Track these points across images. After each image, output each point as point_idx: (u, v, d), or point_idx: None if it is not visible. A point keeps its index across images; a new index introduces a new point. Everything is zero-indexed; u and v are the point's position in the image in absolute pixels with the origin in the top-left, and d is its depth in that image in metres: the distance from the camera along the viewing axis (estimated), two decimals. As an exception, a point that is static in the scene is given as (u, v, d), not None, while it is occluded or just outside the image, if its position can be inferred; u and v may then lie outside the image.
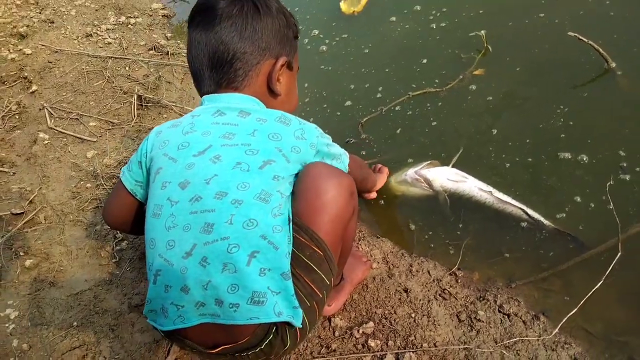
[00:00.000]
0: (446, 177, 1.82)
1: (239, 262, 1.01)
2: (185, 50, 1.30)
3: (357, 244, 1.73)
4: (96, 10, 3.14)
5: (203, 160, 1.10)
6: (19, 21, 2.95)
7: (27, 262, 1.68)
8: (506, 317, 1.46)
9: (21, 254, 1.73)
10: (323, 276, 1.12)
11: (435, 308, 1.49)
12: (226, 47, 1.19)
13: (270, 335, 1.07)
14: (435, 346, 1.39)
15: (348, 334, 1.45)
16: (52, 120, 2.26)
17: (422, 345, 1.39)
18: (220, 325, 1.05)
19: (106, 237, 1.79)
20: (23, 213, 1.86)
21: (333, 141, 1.29)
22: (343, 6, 2.86)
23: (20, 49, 2.68)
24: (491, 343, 1.39)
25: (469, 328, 1.44)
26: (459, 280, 1.59)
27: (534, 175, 1.82)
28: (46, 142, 2.15)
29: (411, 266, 1.64)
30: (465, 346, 1.38)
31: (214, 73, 1.22)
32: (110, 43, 2.80)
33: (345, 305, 1.53)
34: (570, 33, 2.05)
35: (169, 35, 3.00)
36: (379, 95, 2.32)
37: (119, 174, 1.30)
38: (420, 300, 1.52)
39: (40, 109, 2.32)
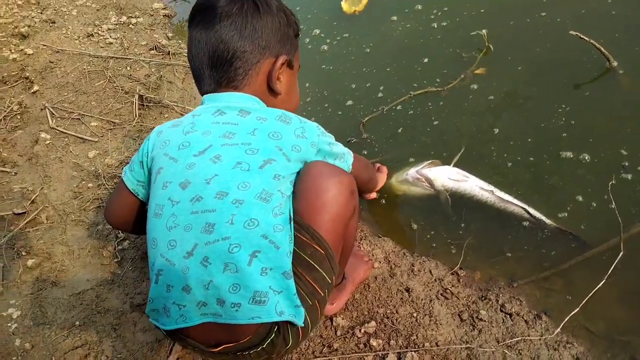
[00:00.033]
0: (447, 177, 1.82)
1: (240, 262, 1.01)
2: (187, 50, 1.29)
3: (359, 243, 1.73)
4: (97, 10, 3.15)
5: (203, 160, 1.10)
6: (20, 21, 2.96)
7: (29, 262, 1.69)
8: (508, 316, 1.45)
9: (23, 253, 1.73)
10: (324, 274, 1.12)
11: (437, 307, 1.49)
12: (226, 46, 1.19)
13: (272, 334, 1.08)
14: (437, 346, 1.39)
15: (350, 333, 1.45)
16: (54, 120, 2.26)
17: (424, 344, 1.39)
18: (222, 325, 1.05)
19: (108, 237, 1.80)
20: (25, 213, 1.86)
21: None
22: (344, 5, 2.86)
23: (22, 49, 2.69)
24: (493, 342, 1.39)
25: (470, 327, 1.44)
26: (461, 280, 1.59)
27: (535, 174, 1.82)
28: (48, 142, 2.15)
29: (413, 266, 1.64)
30: (467, 346, 1.38)
31: (214, 72, 1.22)
32: (112, 43, 2.80)
33: (347, 304, 1.53)
34: (571, 32, 2.05)
35: (170, 35, 3.01)
36: (380, 94, 2.32)
37: (121, 173, 1.30)
38: (422, 299, 1.52)
39: (41, 109, 2.32)
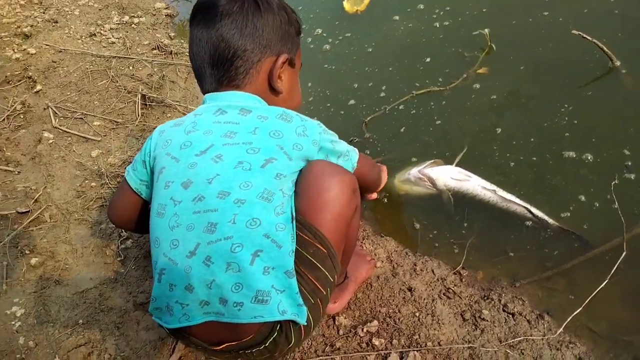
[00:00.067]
0: (450, 176, 1.82)
1: (242, 262, 1.01)
2: (188, 49, 1.30)
3: (361, 242, 1.73)
4: (100, 9, 3.15)
5: (205, 159, 1.10)
6: (23, 21, 2.96)
7: (33, 261, 1.69)
8: (510, 316, 1.46)
9: (27, 252, 1.73)
10: (327, 273, 1.12)
11: (439, 307, 1.49)
12: (227, 45, 1.19)
13: (274, 333, 1.08)
14: (440, 345, 1.39)
15: (352, 332, 1.45)
16: (57, 120, 2.26)
17: (426, 344, 1.39)
18: (224, 324, 1.06)
19: (111, 236, 1.80)
20: (28, 212, 1.86)
21: (337, 140, 1.28)
22: (346, 5, 2.86)
23: (25, 49, 2.69)
24: (495, 342, 1.39)
25: (473, 327, 1.44)
26: (463, 279, 1.59)
27: (538, 174, 1.82)
28: (51, 141, 2.16)
29: (415, 265, 1.64)
30: (470, 345, 1.39)
31: (215, 71, 1.22)
32: (114, 43, 2.81)
33: (350, 303, 1.53)
34: (574, 31, 2.05)
35: (172, 34, 3.01)
36: (382, 94, 2.32)
37: (124, 172, 1.31)
38: (424, 299, 1.52)
39: (44, 109, 2.33)
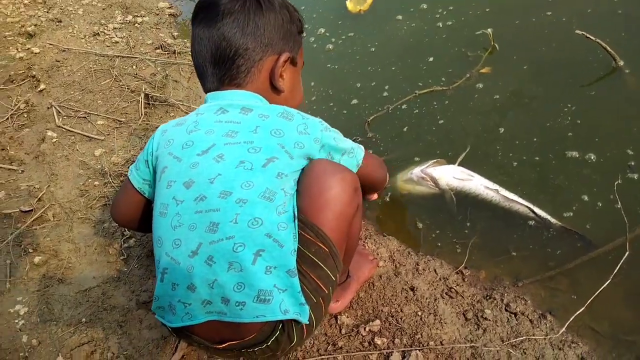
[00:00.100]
0: (452, 176, 1.82)
1: (244, 261, 1.02)
2: (190, 48, 1.30)
3: (364, 242, 1.73)
4: (103, 9, 3.16)
5: (207, 159, 1.10)
6: (27, 20, 2.97)
7: (36, 259, 1.70)
8: (513, 315, 1.45)
9: (30, 250, 1.74)
10: (329, 272, 1.12)
11: (441, 306, 1.49)
12: (228, 43, 1.18)
13: (277, 332, 1.08)
14: (442, 344, 1.39)
15: (354, 331, 1.45)
16: (60, 119, 2.27)
17: (428, 343, 1.39)
18: (227, 323, 1.06)
19: (114, 235, 1.81)
20: (32, 210, 1.87)
21: (340, 139, 1.28)
22: (349, 5, 2.86)
23: (29, 48, 2.70)
24: (498, 342, 1.39)
25: (475, 326, 1.44)
26: (466, 279, 1.59)
27: (541, 174, 1.81)
28: (54, 140, 2.17)
29: (418, 264, 1.64)
30: (472, 345, 1.38)
31: (217, 70, 1.22)
32: (118, 42, 2.81)
33: (352, 303, 1.54)
34: (577, 31, 2.04)
35: (175, 34, 3.02)
36: (385, 93, 2.32)
37: (127, 171, 1.31)
38: (426, 298, 1.52)
39: (48, 108, 2.33)
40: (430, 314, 1.47)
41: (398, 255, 1.68)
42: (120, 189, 1.37)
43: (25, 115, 2.30)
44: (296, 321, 1.08)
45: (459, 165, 1.88)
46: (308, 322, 1.09)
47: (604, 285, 1.44)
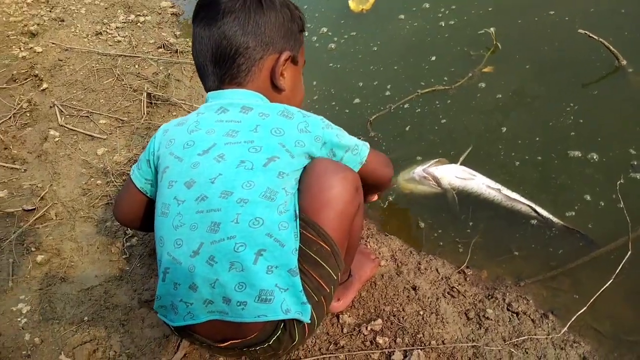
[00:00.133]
0: (454, 175, 1.82)
1: (245, 261, 1.02)
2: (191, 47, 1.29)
3: (366, 241, 1.73)
4: (106, 8, 3.16)
5: (207, 159, 1.10)
6: (29, 19, 2.98)
7: (39, 258, 1.70)
8: (515, 315, 1.45)
9: (32, 249, 1.74)
10: (330, 271, 1.12)
11: (443, 306, 1.49)
12: (229, 42, 1.18)
13: (278, 331, 1.08)
14: (444, 344, 1.39)
15: (356, 330, 1.45)
16: (63, 118, 2.28)
17: (430, 342, 1.39)
18: (228, 322, 1.06)
19: (116, 234, 1.81)
20: (34, 209, 1.88)
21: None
22: (352, 4, 2.86)
23: (31, 47, 2.71)
24: (499, 341, 1.39)
25: (477, 326, 1.44)
26: (468, 279, 1.59)
27: (543, 173, 1.81)
28: (57, 139, 2.17)
29: (419, 264, 1.64)
30: (474, 344, 1.38)
31: (217, 69, 1.21)
32: (120, 41, 2.82)
33: (354, 302, 1.54)
34: (580, 30, 2.04)
35: (178, 33, 3.02)
36: (387, 92, 2.32)
37: (129, 170, 1.31)
38: (428, 298, 1.52)
39: (50, 107, 2.34)
40: (432, 313, 1.47)
41: (400, 254, 1.68)
42: (123, 188, 1.37)
43: (28, 115, 2.31)
44: (298, 320, 1.08)
45: (461, 164, 1.88)
46: (310, 321, 1.09)
47: (606, 285, 1.44)
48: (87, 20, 3.01)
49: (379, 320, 1.46)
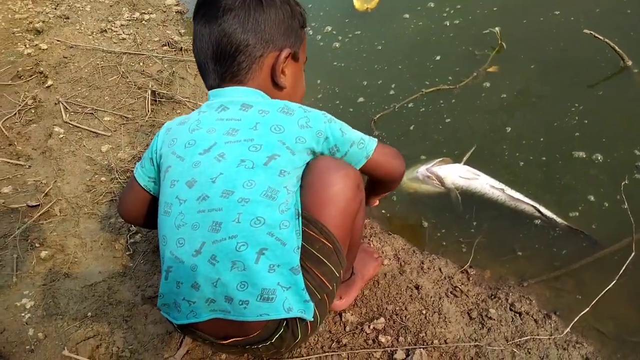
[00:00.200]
0: (458, 175, 1.82)
1: (247, 260, 1.02)
2: (192, 45, 1.29)
3: (369, 240, 1.73)
4: (110, 6, 3.17)
5: (208, 158, 1.10)
6: (34, 17, 2.99)
7: (43, 254, 1.71)
8: (517, 315, 1.45)
9: (37, 245, 1.75)
10: (333, 268, 1.12)
11: (446, 305, 1.49)
12: (229, 40, 1.17)
13: (281, 329, 1.08)
14: (446, 343, 1.39)
15: (359, 329, 1.45)
16: (67, 115, 2.28)
17: (432, 341, 1.39)
18: (231, 321, 1.06)
19: (120, 230, 1.81)
20: (38, 205, 1.88)
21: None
22: (356, 3, 2.86)
23: (36, 44, 2.71)
24: (502, 341, 1.39)
25: (480, 326, 1.44)
26: (471, 278, 1.59)
27: (547, 173, 1.81)
28: (61, 136, 2.18)
29: (422, 263, 1.64)
30: (476, 344, 1.38)
31: (218, 66, 1.21)
32: (125, 39, 2.82)
33: (356, 300, 1.54)
34: (585, 30, 2.04)
35: (182, 31, 3.02)
36: (392, 92, 2.32)
37: (133, 168, 1.32)
38: (431, 297, 1.52)
39: (55, 104, 2.35)
40: (434, 312, 1.47)
41: (403, 253, 1.68)
42: (127, 185, 1.38)
43: (33, 111, 2.31)
44: (300, 318, 1.08)
45: (465, 164, 1.88)
46: (312, 319, 1.09)
47: (610, 286, 1.44)
48: (92, 17, 3.01)
49: (382, 319, 1.46)
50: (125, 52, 2.68)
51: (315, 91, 2.43)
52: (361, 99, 2.34)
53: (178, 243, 1.07)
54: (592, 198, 1.69)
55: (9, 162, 2.06)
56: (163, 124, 1.31)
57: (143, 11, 3.12)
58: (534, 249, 1.64)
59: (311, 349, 1.42)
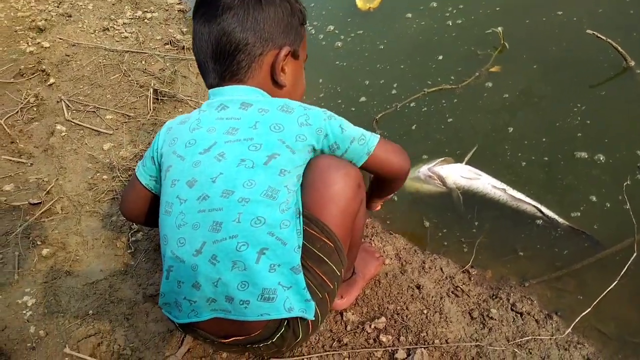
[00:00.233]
0: (460, 174, 1.82)
1: (248, 260, 1.02)
2: (192, 44, 1.29)
3: (371, 239, 1.73)
4: (113, 4, 3.17)
5: (208, 158, 1.10)
6: (37, 15, 2.99)
7: (44, 251, 1.71)
8: (519, 315, 1.45)
9: (38, 243, 1.75)
10: (334, 267, 1.13)
11: (447, 305, 1.49)
12: (228, 39, 1.17)
13: (282, 328, 1.08)
14: (447, 343, 1.39)
15: (360, 328, 1.45)
16: (69, 113, 2.28)
17: (433, 341, 1.39)
18: (232, 320, 1.06)
19: (122, 228, 1.81)
20: (40, 203, 1.88)
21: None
22: (359, 2, 2.86)
23: (39, 42, 2.72)
24: (503, 341, 1.39)
25: (481, 326, 1.43)
26: (472, 278, 1.59)
27: (549, 174, 1.81)
28: (63, 134, 2.18)
29: (424, 263, 1.64)
30: (477, 344, 1.38)
31: (218, 65, 1.20)
32: (127, 37, 2.82)
33: (358, 300, 1.54)
34: (588, 31, 2.03)
35: (184, 29, 3.02)
36: (394, 91, 2.32)
37: (135, 166, 1.32)
38: (432, 297, 1.52)
39: (57, 102, 2.35)
40: (435, 312, 1.47)
41: (404, 253, 1.68)
42: (128, 184, 1.38)
43: (35, 109, 2.32)
44: (302, 317, 1.08)
45: (466, 164, 1.88)
46: (314, 318, 1.09)
47: (611, 287, 1.43)
48: (94, 16, 3.02)
49: (383, 319, 1.46)
50: (128, 51, 2.68)
51: (317, 90, 2.43)
52: (363, 99, 2.34)
53: (179, 243, 1.07)
54: (594, 198, 1.69)
55: (11, 160, 2.07)
56: (165, 123, 1.31)
57: (145, 9, 3.12)
58: (536, 249, 1.64)
59: (312, 348, 1.42)
